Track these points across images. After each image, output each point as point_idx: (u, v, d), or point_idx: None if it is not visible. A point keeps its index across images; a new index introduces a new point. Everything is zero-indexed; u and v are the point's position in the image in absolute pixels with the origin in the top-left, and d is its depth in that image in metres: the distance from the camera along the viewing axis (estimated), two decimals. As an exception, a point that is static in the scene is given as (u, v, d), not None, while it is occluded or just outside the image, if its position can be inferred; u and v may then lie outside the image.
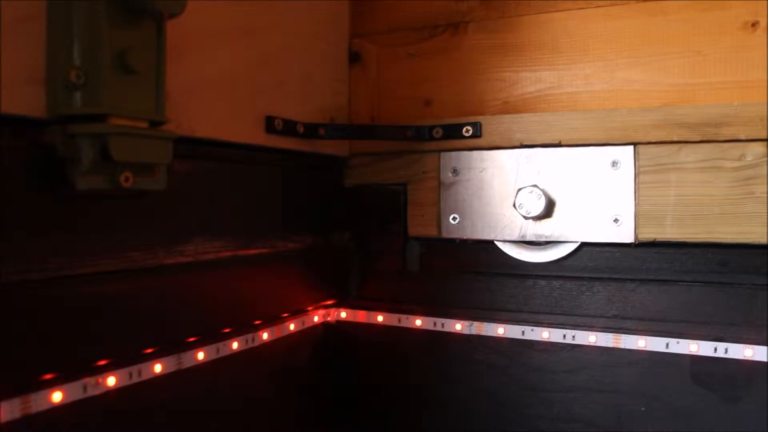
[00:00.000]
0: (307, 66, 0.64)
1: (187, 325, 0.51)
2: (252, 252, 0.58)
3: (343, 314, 0.71)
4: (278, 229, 0.62)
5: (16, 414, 0.38)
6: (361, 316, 0.70)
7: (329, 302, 0.70)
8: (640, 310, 0.59)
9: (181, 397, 0.51)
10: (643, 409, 0.58)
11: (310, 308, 0.67)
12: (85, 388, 0.42)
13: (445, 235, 0.67)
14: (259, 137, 0.56)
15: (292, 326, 0.64)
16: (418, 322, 0.68)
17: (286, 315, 0.63)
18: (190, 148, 0.51)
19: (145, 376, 0.46)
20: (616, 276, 0.61)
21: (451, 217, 0.67)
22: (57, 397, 0.40)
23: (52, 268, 0.40)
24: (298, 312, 0.65)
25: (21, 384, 0.38)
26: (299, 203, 0.66)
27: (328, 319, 0.71)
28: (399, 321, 0.68)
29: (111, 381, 0.44)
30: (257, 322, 0.59)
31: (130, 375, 0.45)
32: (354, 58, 0.72)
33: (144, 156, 0.41)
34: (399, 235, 0.70)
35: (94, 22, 0.37)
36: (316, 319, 0.68)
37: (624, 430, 0.59)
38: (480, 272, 0.67)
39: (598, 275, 0.62)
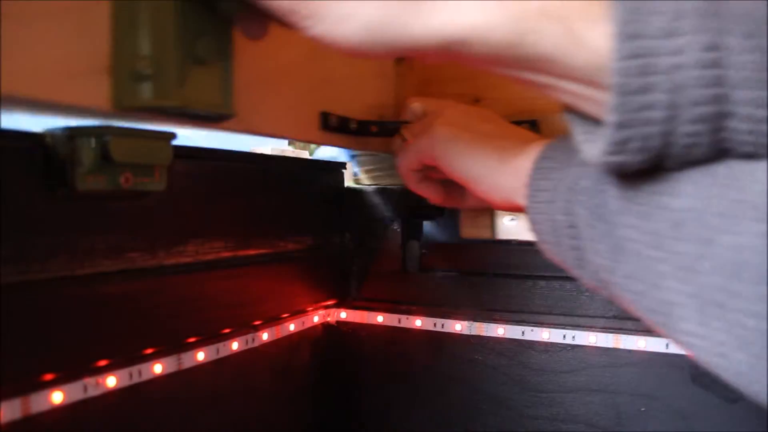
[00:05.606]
0: (357, 60, 0.60)
1: (187, 326, 0.51)
2: (252, 252, 0.58)
3: (343, 314, 0.71)
4: (278, 230, 0.62)
5: (16, 414, 0.38)
6: (361, 316, 0.70)
7: (329, 302, 0.70)
8: (640, 310, 0.59)
9: (182, 398, 0.51)
10: (642, 409, 0.58)
11: (310, 308, 0.67)
12: (85, 388, 0.42)
13: (502, 236, 0.65)
14: (313, 134, 0.53)
15: (292, 326, 0.64)
16: (418, 323, 0.68)
17: (286, 315, 0.63)
18: (190, 148, 0.51)
19: (145, 377, 0.47)
20: (616, 276, 0.61)
21: (509, 217, 0.64)
22: (57, 397, 0.40)
23: (52, 268, 0.40)
24: (298, 312, 0.65)
25: (21, 384, 0.38)
26: (299, 203, 0.66)
27: (328, 319, 0.71)
28: (399, 321, 0.68)
29: (111, 381, 0.44)
30: (257, 323, 0.59)
31: (131, 375, 0.45)
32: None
33: (144, 157, 0.41)
34: (399, 236, 0.70)
35: (164, 7, 0.33)
36: (316, 319, 0.68)
37: (624, 430, 0.59)
38: (480, 272, 0.67)
39: (598, 275, 0.61)
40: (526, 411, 0.63)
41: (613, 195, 0.34)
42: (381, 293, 0.71)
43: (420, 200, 0.71)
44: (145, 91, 0.33)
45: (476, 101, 0.69)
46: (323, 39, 0.32)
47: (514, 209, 0.47)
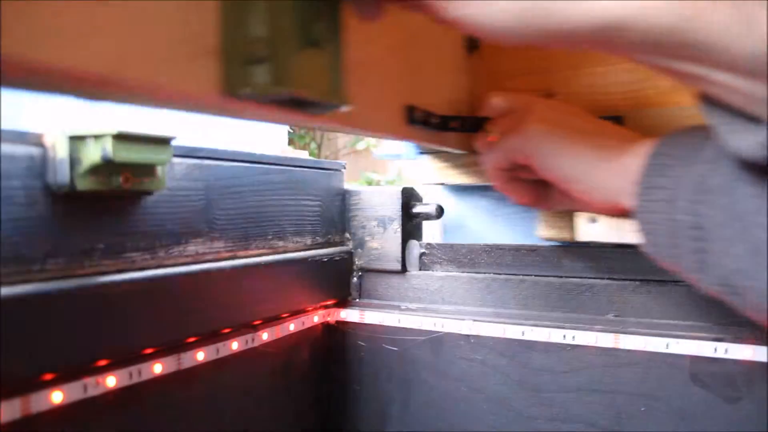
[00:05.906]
0: (436, 52, 0.57)
1: (187, 326, 0.51)
2: (252, 252, 0.58)
3: (343, 314, 0.71)
4: (278, 230, 0.62)
5: (16, 414, 0.38)
6: (361, 316, 0.70)
7: (329, 302, 0.70)
8: (640, 310, 0.59)
9: (181, 397, 0.51)
10: (642, 409, 0.58)
11: (309, 308, 0.68)
12: (85, 388, 0.42)
13: (582, 238, 0.62)
14: (398, 129, 0.49)
15: (292, 326, 0.64)
16: (418, 323, 0.68)
17: (286, 315, 0.63)
18: (190, 147, 0.51)
19: (145, 377, 0.47)
20: (616, 276, 0.61)
21: (590, 219, 0.61)
22: (57, 397, 0.40)
23: (52, 268, 0.40)
24: (297, 312, 0.65)
25: (21, 384, 0.38)
26: (299, 203, 0.66)
27: (328, 319, 0.71)
28: (399, 321, 0.68)
29: (111, 381, 0.44)
30: (257, 323, 0.59)
31: (130, 375, 0.45)
32: (472, 45, 0.64)
33: (144, 156, 0.41)
34: (399, 236, 0.70)
35: None
36: (316, 319, 0.68)
37: (624, 430, 0.59)
38: (480, 272, 0.67)
39: (598, 275, 0.62)
40: (526, 411, 0.63)
41: (749, 193, 0.32)
42: (381, 293, 0.71)
43: (419, 200, 0.72)
44: (260, 76, 0.29)
45: (549, 96, 0.63)
46: (463, 23, 0.30)
47: (614, 211, 0.45)
